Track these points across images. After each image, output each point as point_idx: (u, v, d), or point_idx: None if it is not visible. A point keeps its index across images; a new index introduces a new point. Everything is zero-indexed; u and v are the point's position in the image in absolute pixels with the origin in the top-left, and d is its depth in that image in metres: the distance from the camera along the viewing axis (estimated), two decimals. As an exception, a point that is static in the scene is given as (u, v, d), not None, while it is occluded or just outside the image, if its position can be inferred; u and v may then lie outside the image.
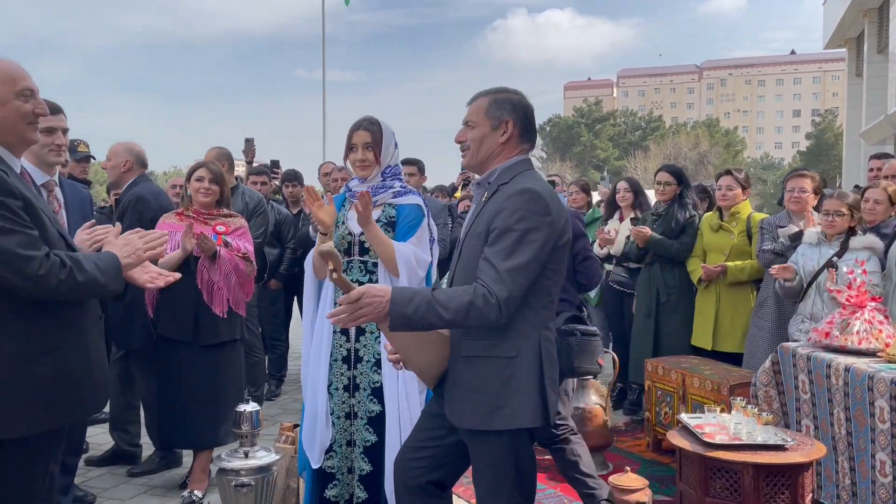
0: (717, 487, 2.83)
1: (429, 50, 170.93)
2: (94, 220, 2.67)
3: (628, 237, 5.42)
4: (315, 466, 2.97)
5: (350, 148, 2.92)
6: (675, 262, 5.09)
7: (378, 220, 2.91)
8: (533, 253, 2.11)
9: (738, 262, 4.76)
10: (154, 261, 2.59)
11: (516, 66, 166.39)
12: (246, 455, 3.24)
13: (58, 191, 3.19)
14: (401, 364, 2.38)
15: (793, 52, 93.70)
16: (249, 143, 6.20)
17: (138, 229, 2.37)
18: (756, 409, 3.00)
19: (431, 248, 2.96)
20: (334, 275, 2.07)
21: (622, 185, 5.76)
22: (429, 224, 2.98)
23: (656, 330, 5.15)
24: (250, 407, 3.25)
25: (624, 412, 5.62)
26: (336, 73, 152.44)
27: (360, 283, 2.86)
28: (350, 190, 2.98)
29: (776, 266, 4.13)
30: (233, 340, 3.84)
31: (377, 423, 2.89)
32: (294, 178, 6.38)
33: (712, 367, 4.40)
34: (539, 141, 67.28)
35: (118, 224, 2.48)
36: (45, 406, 2.11)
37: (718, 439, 2.90)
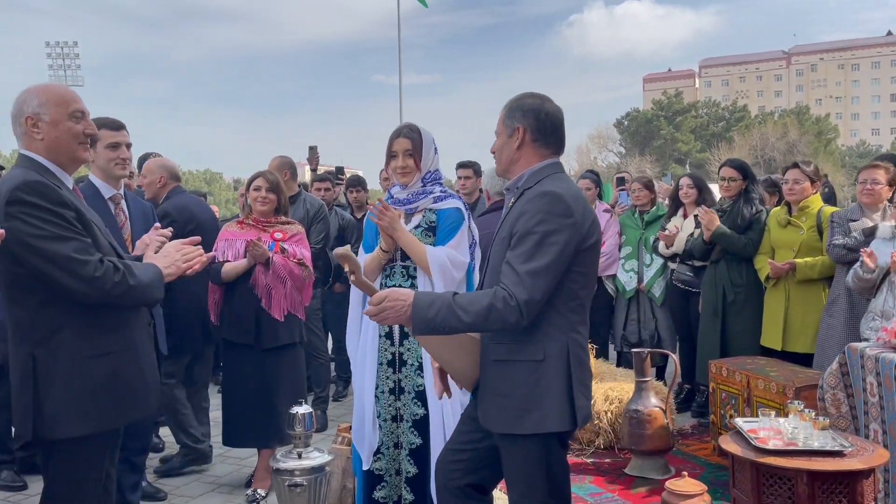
0: (771, 495, 2.74)
1: (505, 48, 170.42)
2: (158, 225, 2.82)
3: (692, 234, 5.28)
4: (364, 468, 3.04)
5: (391, 155, 2.98)
6: (742, 259, 4.93)
7: (418, 225, 2.96)
8: (554, 255, 2.10)
9: (809, 259, 4.56)
10: (206, 272, 2.71)
11: (594, 61, 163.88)
12: (299, 456, 3.33)
13: (123, 204, 3.37)
14: (443, 395, 2.46)
15: (889, 34, 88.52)
16: (313, 150, 6.37)
17: (177, 242, 2.50)
18: (813, 414, 2.88)
19: (473, 251, 2.98)
20: (352, 277, 2.13)
21: (685, 181, 5.61)
22: (469, 227, 3.00)
23: (724, 330, 5.01)
24: (303, 409, 3.35)
25: (692, 415, 5.48)
26: (413, 77, 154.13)
27: (402, 287, 2.91)
28: (392, 196, 3.04)
29: (865, 250, 3.91)
30: (292, 343, 3.96)
31: (422, 425, 2.93)
32: (358, 183, 6.51)
33: (779, 369, 4.24)
34: (617, 136, 66.34)
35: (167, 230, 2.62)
36: (100, 407, 2.25)
37: (772, 445, 2.80)
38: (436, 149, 3.02)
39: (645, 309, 5.88)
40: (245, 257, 3.76)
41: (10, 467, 4.26)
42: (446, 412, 2.86)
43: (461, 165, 5.83)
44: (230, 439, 4.01)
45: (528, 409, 2.17)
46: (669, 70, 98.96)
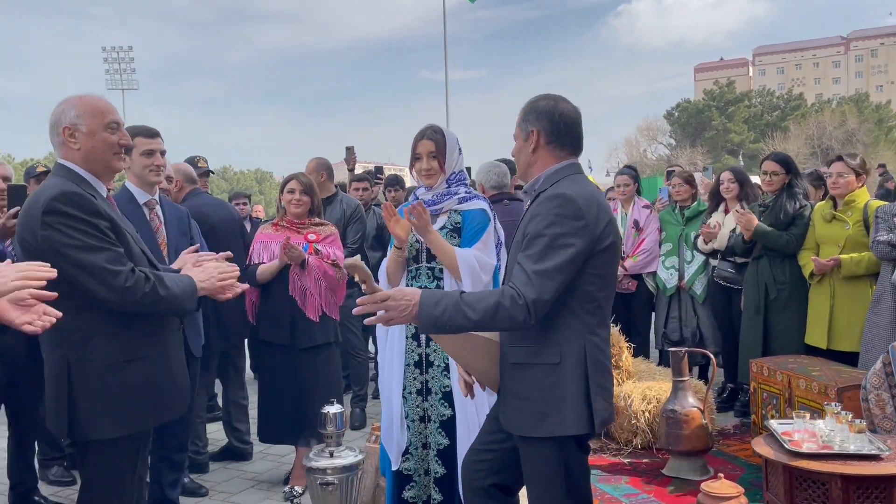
0: (804, 499, 2.68)
1: (552, 41, 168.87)
2: (198, 245, 2.89)
3: (733, 230, 5.17)
4: (393, 468, 3.07)
5: (415, 158, 2.99)
6: (785, 255, 4.81)
7: (444, 227, 2.97)
8: (565, 257, 2.09)
9: (854, 255, 4.42)
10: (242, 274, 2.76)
11: (643, 51, 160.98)
12: (331, 455, 3.39)
13: (158, 209, 3.46)
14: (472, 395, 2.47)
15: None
16: (350, 151, 6.43)
17: (216, 259, 2.56)
18: (850, 416, 2.79)
19: (499, 252, 2.98)
20: (364, 286, 2.15)
21: (726, 175, 5.48)
22: (495, 228, 3.00)
23: (766, 328, 4.89)
24: (334, 409, 3.40)
25: (735, 414, 5.37)
26: (459, 72, 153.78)
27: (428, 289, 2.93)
28: (417, 198, 3.05)
29: None
30: (327, 343, 4.02)
31: (449, 426, 2.94)
32: (396, 182, 6.56)
33: (822, 368, 4.13)
34: (667, 128, 65.17)
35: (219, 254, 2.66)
36: (132, 410, 2.32)
37: (806, 448, 2.74)
38: (460, 149, 3.02)
39: (686, 307, 5.78)
40: (282, 250, 3.81)
41: (59, 463, 4.43)
42: (472, 413, 2.87)
43: (356, 178, 6.13)
44: (266, 436, 4.10)
45: (545, 412, 2.16)
46: (721, 59, 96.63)
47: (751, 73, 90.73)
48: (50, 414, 2.32)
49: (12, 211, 3.30)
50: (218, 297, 2.52)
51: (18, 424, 3.89)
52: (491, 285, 2.90)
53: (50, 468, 4.39)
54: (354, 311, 2.11)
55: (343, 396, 4.35)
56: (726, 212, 5.43)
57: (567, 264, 2.10)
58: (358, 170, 6.78)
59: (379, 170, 7.11)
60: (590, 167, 25.27)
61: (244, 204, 7.59)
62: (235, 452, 4.70)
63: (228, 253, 2.62)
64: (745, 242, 4.92)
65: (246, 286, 2.63)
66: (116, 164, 2.46)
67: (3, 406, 3.83)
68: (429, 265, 2.97)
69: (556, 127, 2.29)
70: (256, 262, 3.93)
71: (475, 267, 2.83)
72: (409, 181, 6.95)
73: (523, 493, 2.39)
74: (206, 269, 2.49)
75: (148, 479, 3.49)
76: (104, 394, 2.27)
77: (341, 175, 6.54)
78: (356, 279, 2.20)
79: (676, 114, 63.64)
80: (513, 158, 2.44)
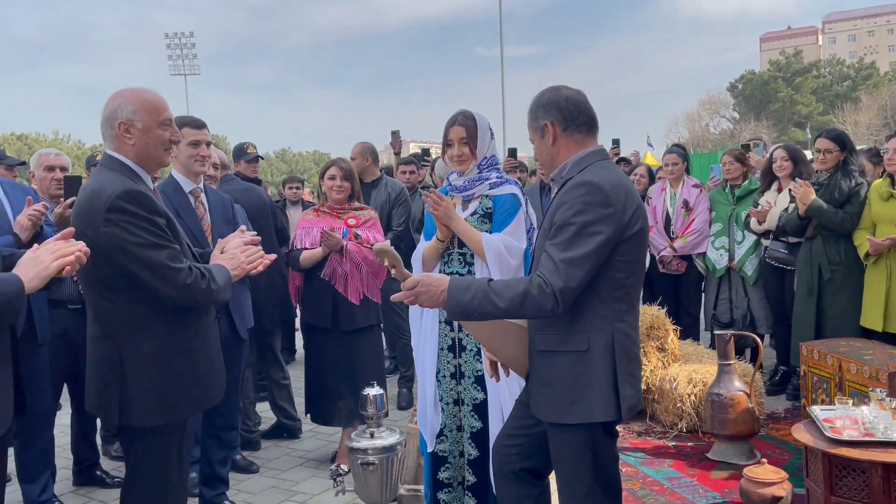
0: (844, 486, 2.62)
1: (610, 14, 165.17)
2: (252, 233, 2.99)
3: (786, 209, 5.03)
4: (429, 450, 3.13)
5: (447, 144, 3.01)
6: (839, 235, 4.66)
7: (475, 212, 2.99)
8: (592, 245, 2.09)
9: (913, 234, 4.26)
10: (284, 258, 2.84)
11: (705, 22, 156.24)
12: (372, 436, 3.47)
13: (203, 196, 3.57)
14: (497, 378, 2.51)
15: None
16: (395, 135, 6.47)
17: (240, 242, 2.65)
18: (894, 403, 2.72)
19: (530, 236, 2.98)
20: (393, 270, 2.19)
21: (780, 153, 5.32)
22: (527, 212, 3.00)
23: (820, 310, 4.76)
24: (375, 391, 3.47)
25: (787, 397, 5.27)
26: (516, 49, 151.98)
27: (460, 275, 2.96)
28: (450, 184, 3.08)
29: None
30: (370, 326, 4.10)
31: (482, 409, 2.98)
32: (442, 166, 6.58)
33: (875, 352, 4.00)
34: (730, 101, 63.22)
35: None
36: (178, 399, 2.42)
37: (847, 435, 2.68)
38: (492, 134, 3.03)
39: (737, 288, 5.66)
40: (321, 245, 3.91)
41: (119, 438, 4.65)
42: (504, 397, 2.89)
43: (403, 162, 6.12)
44: (314, 416, 4.22)
45: (573, 399, 2.18)
46: (789, 28, 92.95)
47: (820, 42, 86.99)
48: (98, 402, 2.41)
49: (69, 201, 3.45)
50: (251, 274, 2.63)
51: (81, 403, 4.10)
52: (521, 269, 2.91)
53: (111, 444, 4.61)
54: (392, 297, 2.16)
55: (387, 378, 4.46)
56: (779, 190, 5.28)
57: (595, 252, 2.10)
58: (414, 150, 6.84)
59: (426, 152, 7.14)
60: (649, 143, 24.70)
61: (297, 188, 7.72)
62: (285, 429, 4.86)
63: (257, 238, 2.71)
64: (800, 218, 4.78)
65: (273, 257, 2.70)
66: (166, 159, 2.54)
67: (66, 385, 4.04)
68: (460, 251, 3.00)
69: (566, 112, 2.28)
70: (299, 247, 4.03)
71: (502, 252, 2.84)
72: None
73: (552, 478, 2.42)
74: (235, 257, 2.58)
75: (199, 457, 3.66)
76: (153, 383, 2.36)
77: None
78: (386, 264, 2.24)
79: (740, 86, 61.67)
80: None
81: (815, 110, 56.37)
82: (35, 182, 4.02)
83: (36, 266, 2.02)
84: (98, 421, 4.31)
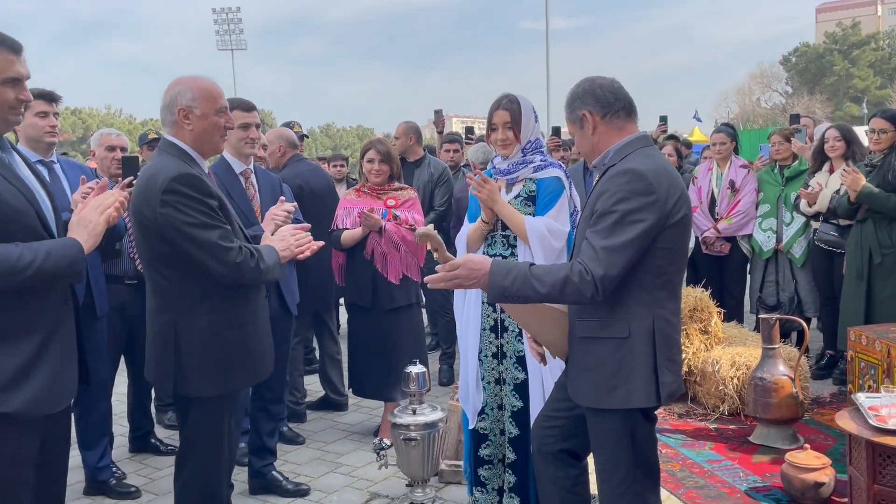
0: (887, 475, 2.61)
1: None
2: (293, 205, 3.11)
3: (837, 191, 4.93)
4: (470, 427, 3.20)
5: (491, 128, 3.03)
6: (892, 218, 4.55)
7: (518, 195, 3.01)
8: (634, 234, 2.10)
9: (968, 219, 4.14)
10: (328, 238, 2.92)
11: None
12: (414, 412, 3.55)
13: (253, 178, 3.67)
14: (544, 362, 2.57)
15: None
16: (438, 114, 6.49)
17: (291, 227, 2.73)
18: (942, 393, 2.68)
19: (574, 220, 2.99)
20: (436, 254, 2.23)
21: (832, 132, 5.19)
22: (570, 195, 3.01)
23: (869, 294, 4.67)
24: (417, 368, 3.55)
25: (833, 382, 5.20)
26: (561, 21, 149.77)
27: (503, 258, 3.00)
28: (494, 167, 3.10)
29: None
30: (409, 304, 4.17)
31: (522, 389, 3.02)
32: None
33: (926, 339, 3.92)
34: (783, 74, 61.34)
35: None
36: (229, 372, 2.54)
37: (892, 423, 2.65)
38: (536, 117, 3.03)
39: (784, 270, 5.58)
40: (361, 226, 3.98)
41: (173, 408, 4.83)
42: (546, 377, 2.93)
43: (447, 140, 6.03)
44: (356, 390, 4.34)
45: (613, 385, 2.20)
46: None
47: (879, 13, 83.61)
48: (155, 373, 2.55)
49: (126, 181, 3.57)
50: (298, 258, 2.72)
51: (136, 374, 4.27)
52: (564, 252, 2.93)
53: (165, 413, 4.80)
54: (429, 284, 2.21)
55: (427, 354, 4.54)
56: (831, 171, 5.17)
57: (636, 240, 2.11)
58: (457, 126, 6.86)
59: (470, 130, 7.14)
60: (697, 118, 24.22)
61: (342, 165, 7.79)
62: (331, 403, 4.99)
63: (306, 225, 2.81)
64: (850, 204, 4.68)
65: (321, 243, 2.79)
66: (221, 145, 2.66)
67: (123, 356, 4.21)
68: (504, 233, 3.02)
69: (603, 100, 2.28)
70: (340, 227, 4.11)
71: (545, 235, 2.86)
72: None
73: (591, 459, 2.46)
74: (285, 239, 2.68)
75: (248, 428, 3.80)
76: (206, 356, 2.49)
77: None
78: (429, 248, 2.29)
79: (794, 59, 59.72)
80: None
81: (872, 84, 54.37)
82: (95, 161, 4.16)
83: (87, 226, 2.17)
84: (153, 391, 4.49)
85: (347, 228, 4.08)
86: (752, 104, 59.58)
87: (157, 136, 5.16)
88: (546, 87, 31.37)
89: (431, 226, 2.43)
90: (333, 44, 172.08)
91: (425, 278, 2.21)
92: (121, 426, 4.55)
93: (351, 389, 4.39)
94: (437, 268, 2.19)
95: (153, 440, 4.37)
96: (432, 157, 5.51)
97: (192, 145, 2.54)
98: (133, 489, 3.76)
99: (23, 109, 2.17)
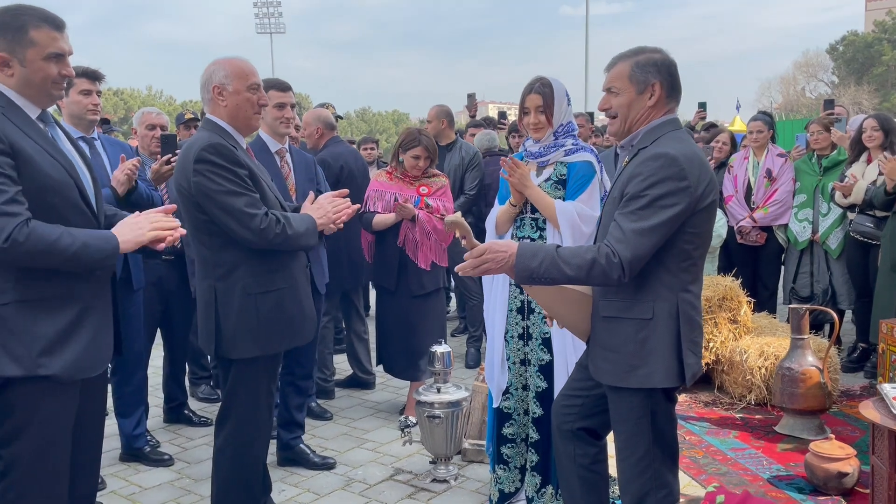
0: (911, 466, 2.59)
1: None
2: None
3: (874, 182, 4.85)
4: (494, 405, 3.24)
5: (524, 112, 3.05)
6: (930, 210, 4.47)
7: (549, 179, 3.02)
8: (664, 218, 2.10)
9: None
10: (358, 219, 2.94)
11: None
12: (438, 391, 3.62)
13: (288, 157, 3.74)
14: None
15: None
16: (471, 98, 6.51)
17: (329, 194, 2.80)
18: (970, 385, 2.65)
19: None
20: (464, 241, 2.26)
21: (870, 122, 5.09)
22: (602, 180, 3.02)
23: (903, 287, 4.60)
24: (442, 348, 3.63)
25: (864, 375, 5.14)
26: (602, 6, 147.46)
27: (532, 240, 3.02)
28: (526, 150, 3.12)
29: None
30: (437, 290, 4.24)
31: (547, 370, 3.06)
32: (518, 129, 6.59)
33: (960, 333, 3.86)
34: (829, 63, 59.81)
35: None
36: (267, 334, 2.65)
37: (917, 414, 2.63)
38: (569, 100, 3.04)
39: (819, 261, 5.51)
40: (395, 212, 4.05)
41: (206, 382, 4.98)
42: (570, 359, 2.96)
43: (473, 125, 6.13)
44: (387, 369, 4.41)
45: (635, 365, 2.22)
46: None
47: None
48: (201, 336, 2.69)
49: (164, 157, 3.68)
50: (331, 229, 2.77)
51: (172, 347, 4.41)
52: (594, 236, 2.95)
53: (198, 386, 4.94)
54: (459, 272, 2.23)
55: (456, 337, 4.60)
56: (868, 162, 5.08)
57: (665, 224, 2.12)
58: (492, 111, 6.89)
59: (503, 115, 7.15)
60: (737, 106, 23.79)
61: (372, 148, 7.87)
62: (359, 382, 5.08)
63: (344, 191, 2.87)
64: (887, 194, 4.60)
65: (357, 206, 2.86)
66: (256, 122, 2.77)
67: (159, 330, 4.34)
68: (532, 216, 3.05)
69: (673, 79, 2.27)
70: (371, 209, 4.17)
71: (575, 219, 2.88)
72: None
73: (610, 438, 2.49)
74: (322, 207, 2.76)
75: (278, 402, 3.90)
76: (243, 319, 2.61)
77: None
78: (457, 235, 2.32)
79: (841, 48, 58.13)
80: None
81: (922, 75, 52.74)
82: (137, 139, 4.29)
83: (134, 231, 2.26)
84: (187, 364, 4.63)
85: (378, 212, 4.14)
86: (796, 94, 58.26)
87: (193, 116, 5.29)
88: (584, 74, 31.04)
89: (459, 213, 2.46)
90: (370, 28, 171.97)
91: (455, 267, 2.25)
92: (156, 397, 4.69)
93: (381, 366, 4.47)
94: (465, 255, 2.23)
95: (186, 412, 4.51)
96: (464, 142, 5.54)
97: (228, 121, 2.65)
98: (167, 457, 3.90)
99: (65, 84, 2.27)
